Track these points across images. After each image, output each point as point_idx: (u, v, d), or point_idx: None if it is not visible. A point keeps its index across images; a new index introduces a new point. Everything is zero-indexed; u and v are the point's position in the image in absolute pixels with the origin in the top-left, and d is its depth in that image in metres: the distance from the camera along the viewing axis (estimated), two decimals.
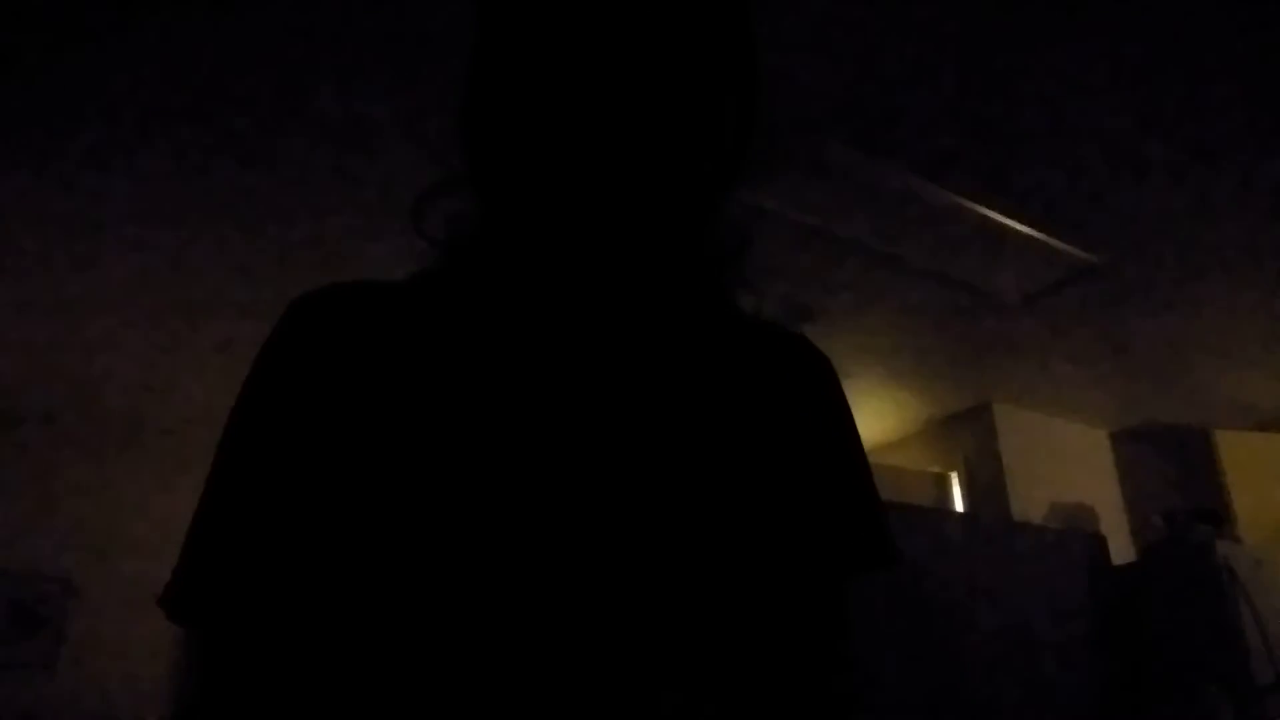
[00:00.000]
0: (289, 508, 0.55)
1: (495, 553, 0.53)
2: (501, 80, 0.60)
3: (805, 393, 0.68)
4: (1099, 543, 3.18)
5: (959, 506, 4.10)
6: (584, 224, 0.59)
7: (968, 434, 4.22)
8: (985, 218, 2.72)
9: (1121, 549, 3.63)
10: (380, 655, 0.52)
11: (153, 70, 2.12)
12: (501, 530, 0.54)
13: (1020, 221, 2.76)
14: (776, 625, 0.61)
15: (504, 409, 0.57)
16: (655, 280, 0.64)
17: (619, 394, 0.60)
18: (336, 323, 0.60)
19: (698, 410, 0.61)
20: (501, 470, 0.55)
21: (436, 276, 0.65)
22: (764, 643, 0.59)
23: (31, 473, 3.79)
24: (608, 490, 0.56)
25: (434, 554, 0.53)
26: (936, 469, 4.22)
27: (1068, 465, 4.25)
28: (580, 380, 0.60)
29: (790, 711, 0.60)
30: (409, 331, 0.60)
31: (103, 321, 3.20)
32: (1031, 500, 3.90)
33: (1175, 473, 4.40)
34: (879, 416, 4.26)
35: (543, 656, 0.52)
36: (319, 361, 0.59)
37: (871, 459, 0.70)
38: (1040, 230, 2.81)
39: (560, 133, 0.57)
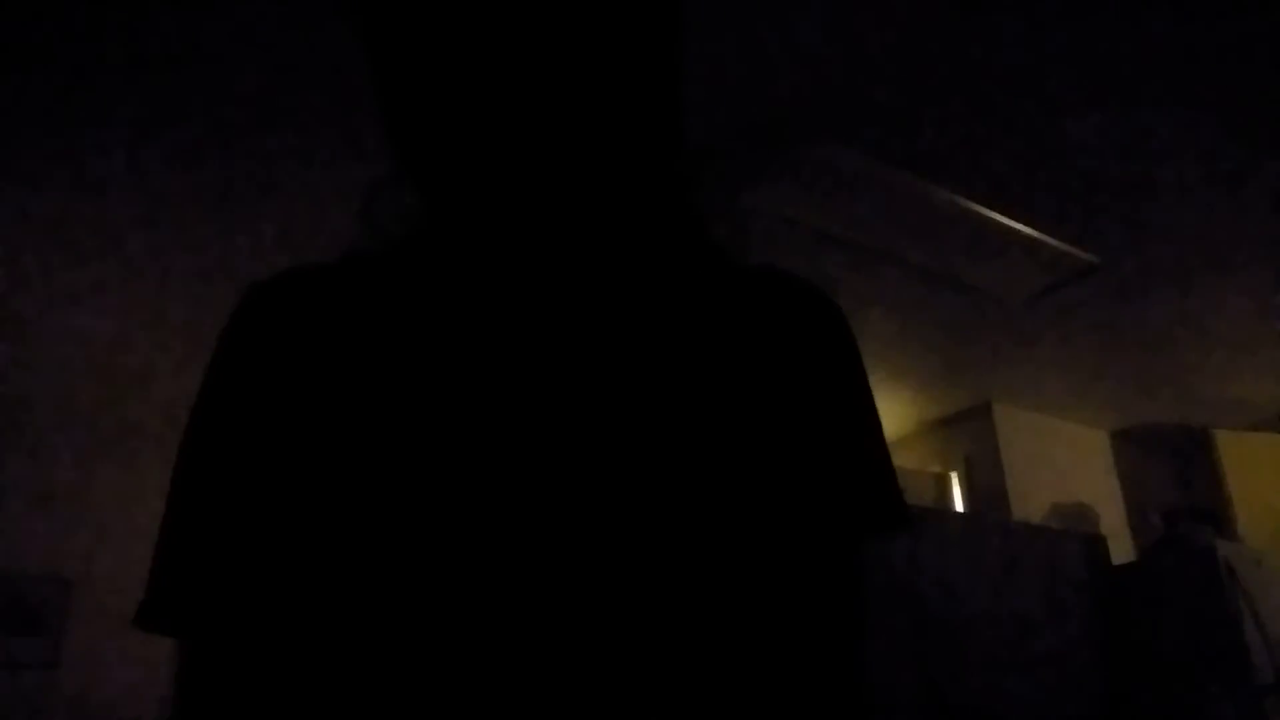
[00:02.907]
0: (260, 506, 0.53)
1: (476, 549, 0.51)
2: (405, 65, 0.55)
3: (806, 343, 0.63)
4: (1099, 543, 3.18)
5: (959, 506, 4.10)
6: (531, 198, 0.55)
7: (968, 434, 4.22)
8: (985, 218, 2.72)
9: (1121, 549, 3.62)
10: (362, 656, 0.50)
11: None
12: (482, 525, 0.51)
13: (1020, 221, 2.76)
14: (779, 625, 0.56)
15: (480, 393, 0.54)
16: (622, 242, 0.59)
17: (599, 368, 0.56)
18: (297, 309, 0.58)
19: (683, 378, 0.57)
20: (481, 460, 0.52)
21: (396, 257, 0.61)
22: (766, 648, 0.55)
23: (30, 472, 3.79)
24: (593, 476, 0.53)
25: (414, 548, 0.51)
26: (936, 469, 4.22)
27: (1068, 465, 4.25)
28: (558, 357, 0.56)
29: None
30: (377, 315, 0.57)
31: (99, 322, 3.20)
32: (1031, 500, 3.90)
33: (1175, 473, 4.40)
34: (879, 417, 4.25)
35: (526, 657, 0.49)
36: (282, 350, 0.56)
37: None
38: (1040, 230, 2.81)
39: (477, 107, 0.53)
